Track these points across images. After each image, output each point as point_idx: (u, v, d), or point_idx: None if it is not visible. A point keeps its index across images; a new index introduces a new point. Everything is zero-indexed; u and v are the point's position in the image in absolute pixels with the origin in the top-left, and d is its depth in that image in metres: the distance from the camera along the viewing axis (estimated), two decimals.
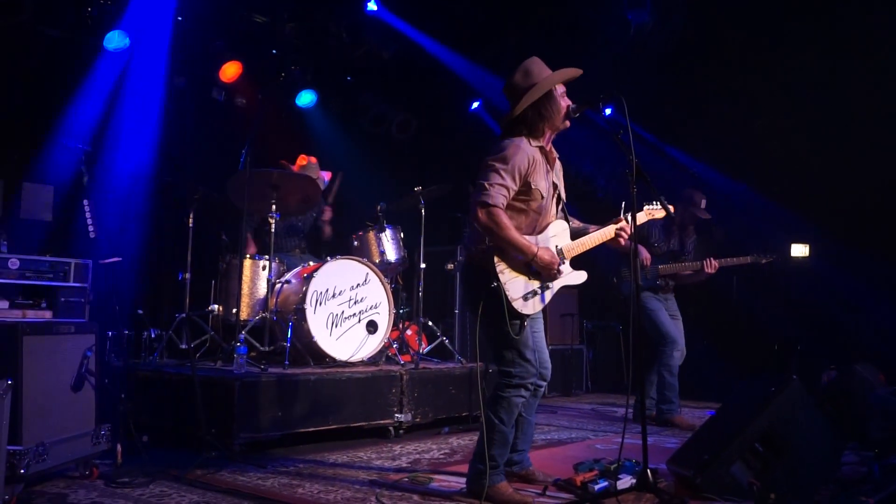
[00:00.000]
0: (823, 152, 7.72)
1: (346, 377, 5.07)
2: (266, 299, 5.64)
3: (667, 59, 7.75)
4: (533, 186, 3.55)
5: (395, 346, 5.97)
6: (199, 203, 5.76)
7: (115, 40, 6.56)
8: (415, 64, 8.40)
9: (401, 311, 6.49)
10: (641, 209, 4.17)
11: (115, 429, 3.89)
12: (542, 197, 3.59)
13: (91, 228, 4.05)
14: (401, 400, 5.29)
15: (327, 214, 6.80)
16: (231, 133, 7.20)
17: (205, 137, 7.38)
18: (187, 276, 5.67)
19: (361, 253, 6.15)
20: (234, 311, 5.58)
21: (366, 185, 8.14)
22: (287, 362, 5.20)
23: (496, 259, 3.48)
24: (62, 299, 4.15)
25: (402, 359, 5.84)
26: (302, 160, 6.63)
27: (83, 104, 6.47)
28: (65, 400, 3.63)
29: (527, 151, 3.53)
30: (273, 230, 5.61)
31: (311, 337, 5.39)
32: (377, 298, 5.80)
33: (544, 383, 3.86)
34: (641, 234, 6.12)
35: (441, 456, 4.67)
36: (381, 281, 5.83)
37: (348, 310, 5.65)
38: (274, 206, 5.61)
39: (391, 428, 5.26)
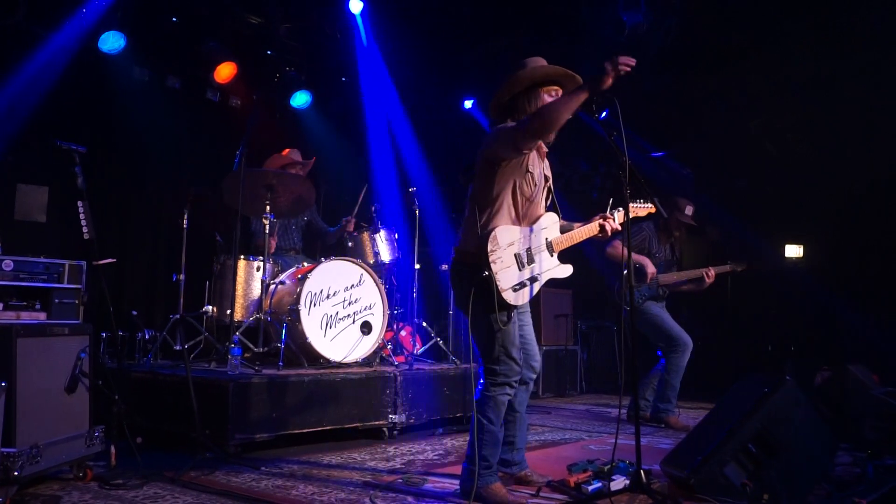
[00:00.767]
0: (818, 153, 7.75)
1: (341, 378, 5.07)
2: (260, 300, 5.63)
3: (662, 60, 7.75)
4: (528, 171, 3.61)
5: (389, 346, 5.98)
6: (193, 204, 5.76)
7: (109, 41, 6.55)
8: (408, 63, 8.39)
9: (395, 311, 6.48)
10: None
11: (109, 430, 3.88)
12: (535, 184, 3.64)
13: (85, 229, 4.03)
14: (395, 401, 5.29)
15: (350, 227, 6.70)
16: (226, 134, 7.19)
17: (199, 138, 7.37)
18: (181, 277, 5.66)
19: (356, 254, 6.15)
20: (229, 312, 5.58)
21: (360, 186, 8.13)
22: (281, 363, 5.20)
23: (489, 248, 3.49)
24: (56, 301, 4.12)
25: (396, 360, 5.85)
26: (285, 153, 6.61)
27: (77, 105, 6.45)
28: (59, 402, 3.63)
29: None
30: (267, 231, 5.61)
31: (306, 338, 5.38)
32: (371, 299, 5.80)
33: (534, 376, 3.88)
34: (643, 245, 6.16)
35: (435, 457, 4.68)
36: (375, 282, 5.83)
37: (342, 311, 5.64)
38: (268, 207, 5.60)
39: (385, 429, 5.26)
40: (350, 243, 6.28)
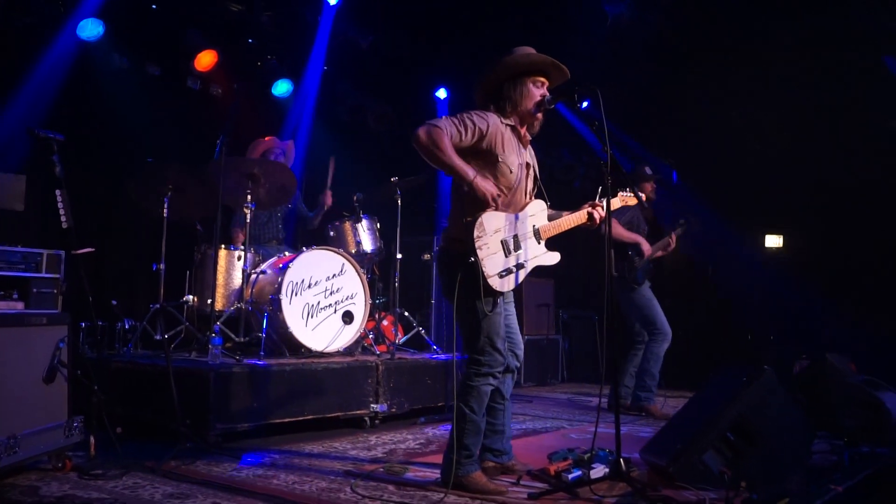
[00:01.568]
0: (798, 145, 7.81)
1: (322, 367, 5.06)
2: (241, 290, 5.61)
3: (646, 53, 7.78)
4: (500, 160, 3.60)
5: (371, 336, 5.98)
6: (173, 193, 5.71)
7: (88, 28, 6.47)
8: (393, 53, 8.37)
9: (377, 301, 6.48)
10: (616, 196, 4.23)
11: (89, 421, 3.85)
12: (512, 172, 3.63)
13: (64, 218, 3.98)
14: (377, 390, 5.30)
15: (328, 199, 6.71)
16: (206, 123, 7.14)
17: (180, 127, 7.30)
18: (161, 266, 5.62)
19: (337, 243, 6.14)
20: (210, 301, 5.54)
21: (342, 176, 8.10)
22: (262, 353, 5.19)
23: (476, 235, 3.49)
24: (34, 290, 4.08)
25: (378, 349, 5.85)
26: (267, 139, 6.59)
27: (55, 93, 6.37)
28: (37, 392, 3.59)
29: (491, 120, 3.59)
30: (249, 220, 5.59)
31: (287, 327, 5.37)
32: (353, 289, 5.79)
33: (518, 364, 3.90)
34: (632, 223, 6.22)
35: (416, 446, 4.69)
36: (357, 271, 5.82)
37: (324, 300, 5.63)
38: (249, 197, 5.58)
39: (367, 418, 5.26)
40: (332, 233, 6.26)
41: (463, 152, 3.51)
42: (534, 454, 4.23)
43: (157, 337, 5.57)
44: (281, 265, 5.61)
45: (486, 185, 3.48)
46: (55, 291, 4.11)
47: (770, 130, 8.08)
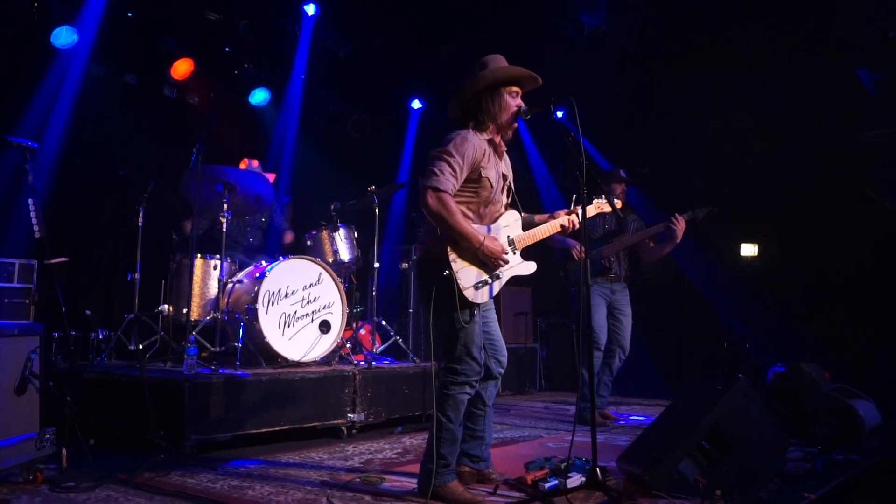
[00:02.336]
0: (775, 154, 7.90)
1: (299, 377, 5.04)
2: (217, 299, 5.58)
3: (623, 61, 7.84)
4: (483, 175, 3.62)
5: (348, 345, 5.96)
6: (148, 201, 5.68)
7: (62, 36, 6.43)
8: (371, 62, 8.37)
9: (354, 310, 6.47)
10: (591, 203, 4.25)
11: (61, 432, 3.80)
12: (492, 186, 3.65)
13: (36, 228, 3.95)
14: (354, 400, 5.28)
15: (288, 238, 6.73)
16: (183, 131, 7.10)
17: (156, 135, 7.26)
18: (136, 275, 5.58)
19: (315, 252, 6.12)
20: (185, 311, 5.51)
21: (320, 184, 8.10)
22: (238, 363, 5.16)
23: (450, 248, 3.52)
24: (6, 300, 4.05)
25: (355, 358, 5.82)
26: (244, 164, 6.58)
27: (29, 101, 6.32)
28: (8, 403, 3.54)
29: (473, 142, 3.59)
30: (225, 229, 5.56)
31: (264, 337, 5.34)
32: (330, 298, 5.77)
33: (502, 370, 3.89)
34: (597, 225, 6.22)
35: (394, 456, 4.67)
36: (334, 280, 5.81)
37: (301, 310, 5.61)
38: (226, 206, 5.55)
39: (344, 428, 5.24)
40: (309, 242, 6.24)
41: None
42: (511, 463, 4.23)
43: (132, 347, 5.53)
44: (257, 274, 5.58)
45: (494, 247, 3.55)
46: (27, 301, 4.08)
47: (746, 140, 8.16)
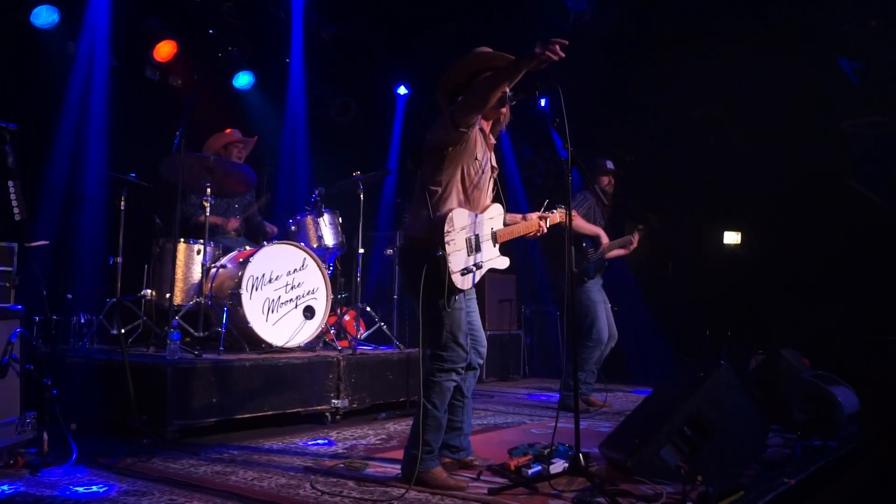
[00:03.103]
0: (757, 142, 7.93)
1: (283, 363, 5.03)
2: (200, 284, 5.54)
3: (606, 48, 7.83)
4: (475, 157, 3.66)
5: (332, 331, 5.95)
6: (131, 185, 5.63)
7: (42, 16, 6.33)
8: (355, 46, 8.32)
9: (339, 296, 6.45)
10: (556, 210, 4.21)
11: (42, 416, 3.78)
12: (482, 170, 3.69)
13: (16, 210, 3.90)
14: (338, 385, 5.28)
15: (272, 230, 6.70)
16: (165, 114, 7.03)
17: (138, 118, 7.18)
18: (119, 259, 5.53)
19: (299, 238, 6.09)
20: (168, 295, 5.48)
21: (304, 169, 8.05)
22: (222, 348, 5.13)
23: (445, 229, 3.52)
24: None
25: (339, 344, 5.81)
26: (228, 132, 6.52)
27: (8, 81, 6.22)
28: None
29: None
30: (208, 213, 5.52)
31: (247, 322, 5.32)
32: (314, 284, 5.76)
33: (481, 361, 3.91)
34: (589, 215, 6.24)
35: (377, 442, 4.68)
36: (318, 266, 5.79)
37: (285, 295, 5.59)
38: (209, 190, 5.51)
39: (328, 414, 5.24)
40: (293, 227, 6.21)
41: (453, 151, 3.58)
42: (494, 449, 4.25)
43: (114, 331, 5.48)
44: (241, 259, 5.55)
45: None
46: (7, 285, 4.02)
47: (728, 129, 8.19)
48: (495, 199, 3.88)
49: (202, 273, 5.53)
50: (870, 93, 7.13)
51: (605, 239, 6.17)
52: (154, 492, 3.37)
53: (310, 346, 5.67)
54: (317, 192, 6.22)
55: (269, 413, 4.90)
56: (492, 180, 3.83)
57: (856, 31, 7.00)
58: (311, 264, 5.77)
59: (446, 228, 3.52)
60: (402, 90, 9.15)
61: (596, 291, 6.24)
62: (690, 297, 8.30)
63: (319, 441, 4.63)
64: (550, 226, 4.13)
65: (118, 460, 3.83)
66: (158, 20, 7.08)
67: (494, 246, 3.80)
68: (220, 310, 5.39)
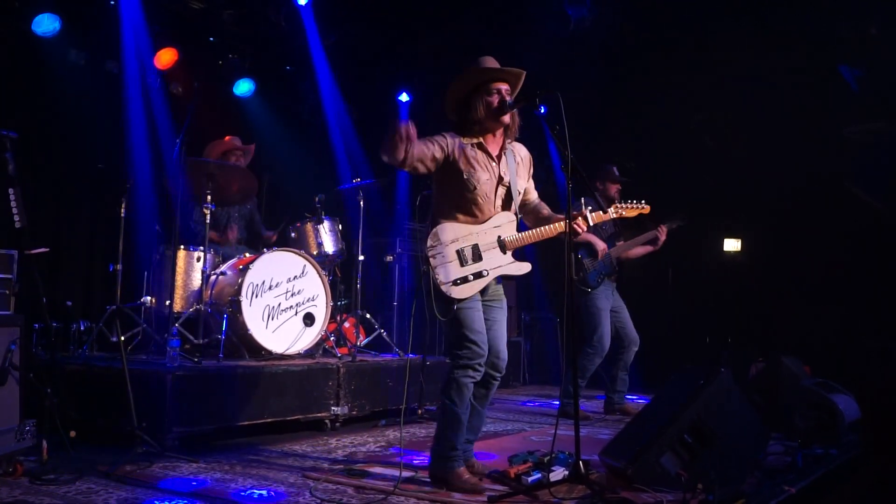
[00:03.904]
0: (756, 148, 7.94)
1: (283, 370, 5.02)
2: (200, 291, 5.54)
3: (606, 54, 7.85)
4: (465, 177, 3.69)
5: (332, 338, 5.95)
6: (131, 192, 5.63)
7: (44, 24, 6.35)
8: (355, 54, 8.33)
9: (339, 303, 6.45)
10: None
11: (41, 424, 3.78)
12: (474, 188, 3.71)
13: (17, 217, 3.91)
14: (337, 393, 5.27)
15: (273, 239, 6.68)
16: (166, 122, 7.04)
17: (139, 125, 7.19)
18: (119, 266, 5.53)
19: (299, 245, 6.09)
20: (168, 302, 5.48)
21: (304, 176, 8.06)
22: (221, 355, 5.13)
23: (429, 244, 3.67)
24: None
25: (339, 351, 5.81)
26: (227, 139, 6.53)
27: (9, 90, 6.24)
28: None
29: (452, 140, 3.73)
30: (209, 221, 5.53)
31: (247, 329, 5.32)
32: (314, 290, 5.76)
33: (497, 374, 3.87)
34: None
35: (377, 448, 4.67)
36: (318, 273, 5.79)
37: (285, 302, 5.59)
38: (209, 197, 5.52)
39: (327, 421, 5.23)
40: (293, 234, 6.22)
41: (438, 171, 3.71)
42: (494, 457, 4.24)
43: (114, 339, 5.47)
44: (241, 266, 5.55)
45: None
46: (7, 292, 4.03)
47: (728, 135, 8.20)
48: (507, 208, 3.87)
49: (202, 280, 5.53)
50: (870, 99, 7.14)
51: (600, 245, 6.12)
52: (153, 500, 3.36)
53: (309, 353, 5.67)
54: (317, 199, 6.22)
55: (269, 420, 4.89)
56: (500, 189, 3.82)
57: (856, 37, 7.02)
58: (311, 271, 5.77)
59: (430, 243, 3.67)
60: (403, 97, 9.15)
61: (602, 299, 6.20)
62: (690, 304, 8.30)
63: (319, 448, 4.62)
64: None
65: (117, 468, 3.81)
66: (159, 28, 7.09)
67: (505, 253, 3.80)
68: (219, 317, 5.39)
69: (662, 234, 6.28)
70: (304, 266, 5.74)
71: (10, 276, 4.04)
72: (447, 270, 3.64)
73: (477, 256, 3.72)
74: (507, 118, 3.77)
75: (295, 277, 5.67)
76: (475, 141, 3.76)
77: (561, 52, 7.62)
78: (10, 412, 3.66)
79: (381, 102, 9.15)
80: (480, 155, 3.75)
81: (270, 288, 5.52)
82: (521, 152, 3.96)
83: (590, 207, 3.92)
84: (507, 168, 3.84)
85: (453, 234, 3.70)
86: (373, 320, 6.39)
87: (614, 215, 4.18)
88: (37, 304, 3.94)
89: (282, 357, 5.42)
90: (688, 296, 8.28)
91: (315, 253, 6.06)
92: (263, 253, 5.61)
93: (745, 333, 7.83)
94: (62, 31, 6.43)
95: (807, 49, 7.19)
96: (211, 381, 4.62)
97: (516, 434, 5.39)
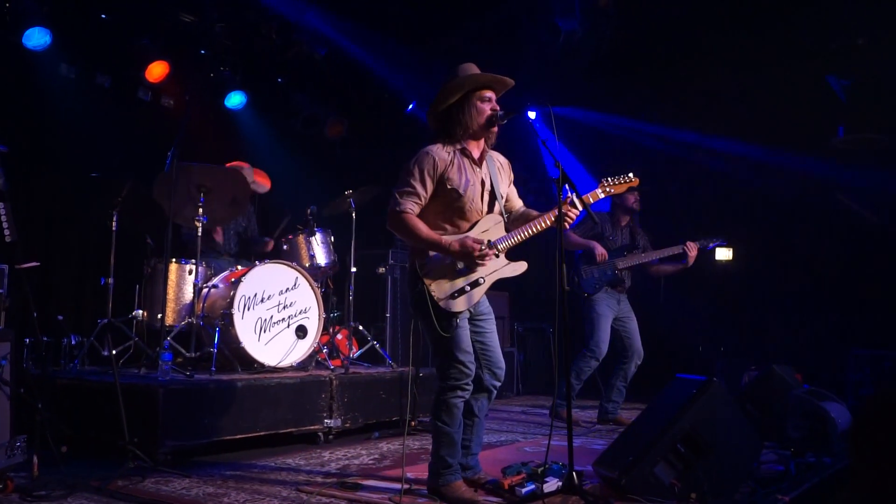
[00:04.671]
0: (747, 159, 7.98)
1: (275, 383, 5.00)
2: (192, 304, 5.53)
3: (597, 67, 7.89)
4: (448, 186, 3.65)
5: (325, 350, 5.93)
6: (122, 205, 5.61)
7: (35, 38, 6.34)
8: (347, 65, 8.35)
9: (331, 315, 6.44)
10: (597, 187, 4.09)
11: (32, 439, 3.75)
12: (460, 195, 3.66)
13: (7, 232, 3.90)
14: (330, 405, 5.25)
15: (269, 247, 6.64)
16: (157, 135, 7.03)
17: (130, 139, 7.18)
18: (110, 280, 5.51)
19: (291, 257, 6.09)
20: (160, 316, 5.45)
21: (296, 188, 8.05)
22: (214, 368, 5.12)
23: (418, 264, 3.63)
24: None
25: (332, 363, 5.80)
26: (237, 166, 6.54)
27: (0, 104, 6.23)
28: None
29: (434, 155, 3.66)
30: (200, 234, 5.51)
31: (239, 342, 5.31)
32: (307, 303, 5.75)
33: (497, 383, 3.87)
34: (593, 230, 6.18)
35: (370, 461, 4.66)
36: (310, 285, 5.78)
37: (277, 314, 5.58)
38: (201, 210, 5.50)
39: (320, 433, 5.21)
40: (285, 246, 6.21)
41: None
42: (488, 468, 4.21)
43: (105, 353, 5.45)
44: (233, 279, 5.54)
45: (467, 244, 3.58)
46: None
47: (718, 144, 8.24)
48: (489, 211, 3.82)
49: (194, 293, 5.52)
50: (858, 110, 7.19)
51: (599, 250, 6.09)
52: None
53: (302, 365, 5.65)
54: (309, 210, 6.22)
55: (262, 433, 4.87)
56: (486, 194, 3.79)
57: (844, 49, 7.08)
58: (304, 283, 5.76)
59: (420, 262, 3.64)
60: (411, 107, 9.13)
61: (603, 306, 6.17)
62: (682, 313, 8.31)
63: (312, 461, 4.61)
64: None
65: (109, 483, 3.79)
66: (150, 41, 7.09)
67: (498, 256, 3.77)
68: (211, 330, 5.38)
69: (692, 250, 6.07)
70: (297, 278, 5.74)
71: (1, 291, 4.03)
72: (441, 286, 3.61)
73: (469, 266, 3.68)
74: (495, 129, 3.77)
75: (287, 290, 5.66)
76: (458, 147, 3.72)
77: (554, 63, 7.66)
78: (1, 428, 3.65)
79: (376, 112, 9.15)
80: (464, 161, 3.72)
81: (262, 300, 5.51)
82: (499, 159, 3.93)
83: (579, 195, 3.80)
84: (489, 171, 3.83)
85: None
86: (365, 332, 6.38)
87: (602, 195, 4.01)
88: (28, 318, 3.93)
89: (274, 370, 5.41)
90: (680, 305, 8.29)
91: (307, 265, 6.05)
92: (255, 265, 5.60)
93: (737, 342, 7.85)
94: (53, 44, 6.43)
95: (796, 61, 7.24)
96: (203, 395, 4.60)
97: (510, 445, 5.38)
